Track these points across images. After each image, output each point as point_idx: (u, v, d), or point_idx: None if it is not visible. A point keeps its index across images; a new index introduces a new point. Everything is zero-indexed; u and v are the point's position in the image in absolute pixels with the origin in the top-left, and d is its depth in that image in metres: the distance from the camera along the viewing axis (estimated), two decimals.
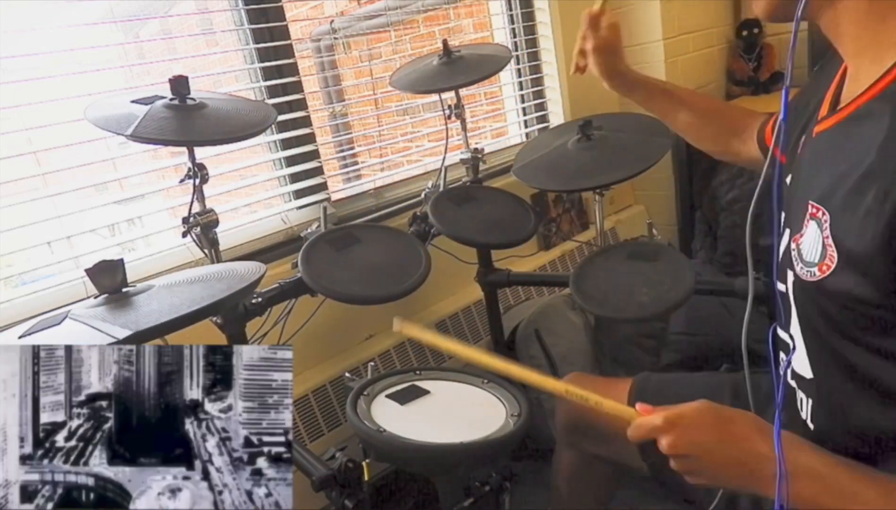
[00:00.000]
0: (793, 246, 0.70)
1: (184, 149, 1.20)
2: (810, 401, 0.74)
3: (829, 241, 0.63)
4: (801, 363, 0.74)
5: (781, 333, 0.79)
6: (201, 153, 1.24)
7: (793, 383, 0.78)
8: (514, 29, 2.29)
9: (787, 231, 0.73)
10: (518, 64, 2.31)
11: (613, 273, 1.42)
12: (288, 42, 1.68)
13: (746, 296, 1.43)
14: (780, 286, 0.76)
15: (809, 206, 0.66)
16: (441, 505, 1.20)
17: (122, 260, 0.88)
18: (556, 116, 2.40)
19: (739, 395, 0.99)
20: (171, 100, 1.17)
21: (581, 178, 1.49)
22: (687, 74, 2.51)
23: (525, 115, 2.38)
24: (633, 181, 1.53)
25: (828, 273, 0.63)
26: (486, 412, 1.13)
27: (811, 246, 0.66)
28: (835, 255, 0.63)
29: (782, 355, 0.80)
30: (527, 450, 1.80)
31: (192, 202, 1.22)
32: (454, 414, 1.15)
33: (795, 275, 0.69)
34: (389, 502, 1.62)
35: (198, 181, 1.20)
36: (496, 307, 1.80)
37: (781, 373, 0.77)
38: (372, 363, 1.31)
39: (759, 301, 1.44)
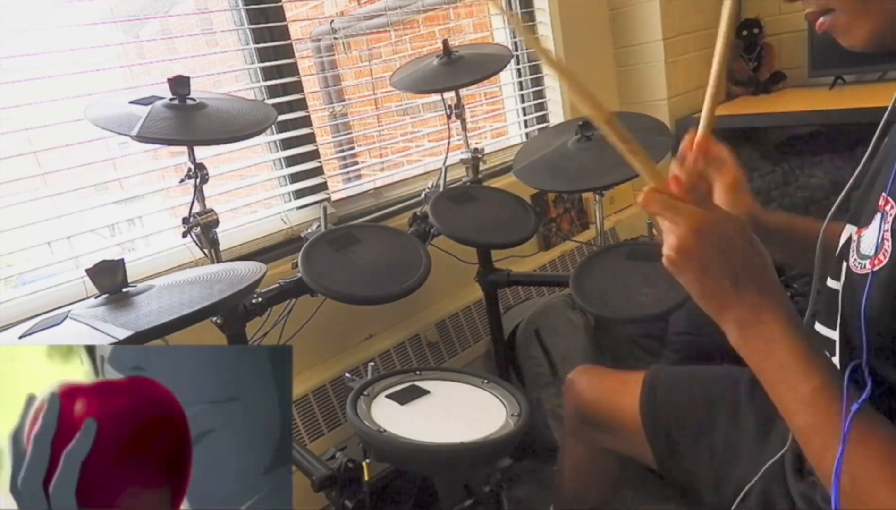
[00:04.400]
0: (854, 238, 0.67)
1: (184, 149, 1.20)
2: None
3: (889, 234, 0.59)
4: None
5: (823, 329, 0.76)
6: (201, 153, 1.24)
7: None
8: (514, 29, 2.29)
9: (852, 227, 0.70)
10: (518, 64, 2.31)
11: (613, 273, 1.42)
12: (288, 42, 1.68)
13: None
14: (833, 283, 0.73)
15: (881, 199, 0.63)
16: (441, 505, 1.20)
17: (122, 260, 0.88)
18: (556, 116, 2.40)
19: (757, 390, 0.98)
20: (171, 100, 1.17)
21: (581, 179, 1.49)
22: (687, 74, 2.51)
23: (525, 115, 2.39)
24: (633, 181, 1.52)
25: (878, 267, 0.60)
26: (486, 412, 1.13)
27: (871, 239, 0.63)
28: (889, 249, 0.59)
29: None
30: (527, 450, 1.80)
31: (192, 202, 1.22)
32: (454, 414, 1.15)
33: (848, 267, 0.66)
34: (389, 502, 1.62)
35: (198, 181, 1.20)
36: (496, 307, 1.80)
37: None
38: (372, 363, 1.31)
39: None
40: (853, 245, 0.66)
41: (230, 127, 1.19)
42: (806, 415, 0.60)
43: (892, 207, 0.60)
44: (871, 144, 0.71)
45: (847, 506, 0.56)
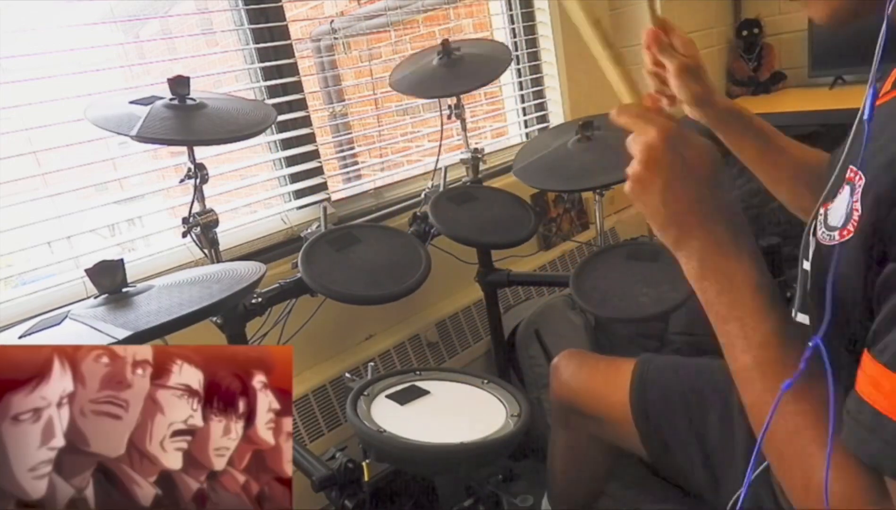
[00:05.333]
0: (821, 211, 0.65)
1: (184, 149, 1.21)
2: None
3: (857, 204, 0.58)
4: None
5: (799, 316, 0.75)
6: (201, 153, 1.24)
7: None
8: (514, 29, 2.29)
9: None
10: (518, 64, 2.31)
11: (613, 273, 1.42)
12: (288, 42, 1.68)
13: None
14: (806, 264, 0.71)
15: (848, 171, 0.62)
16: (441, 505, 1.20)
17: (122, 260, 0.88)
18: (556, 116, 2.40)
19: None
20: (171, 100, 1.17)
21: (581, 179, 1.49)
22: None
23: (525, 115, 2.38)
24: None
25: (846, 237, 0.59)
26: (486, 412, 1.13)
27: (839, 211, 0.62)
28: (857, 219, 0.58)
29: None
30: (527, 450, 1.80)
31: (192, 202, 1.22)
32: (454, 414, 1.15)
33: (817, 240, 0.65)
34: (389, 502, 1.62)
35: (198, 181, 1.21)
36: (496, 307, 1.80)
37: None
38: (372, 363, 1.32)
39: None
40: (820, 218, 0.65)
41: (230, 127, 1.19)
42: (749, 357, 0.60)
43: (860, 179, 0.59)
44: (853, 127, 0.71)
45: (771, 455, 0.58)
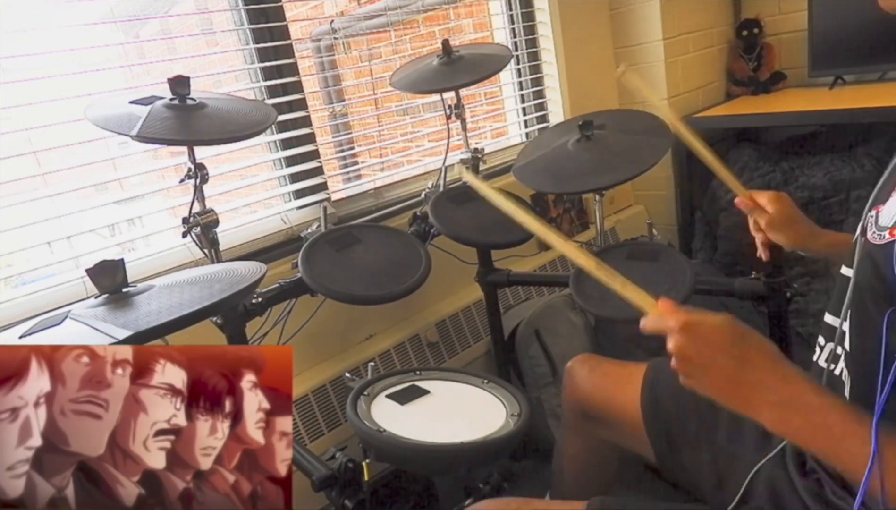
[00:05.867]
0: (872, 214, 0.70)
1: (184, 149, 1.20)
2: (848, 373, 0.74)
3: None
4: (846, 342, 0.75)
5: (830, 319, 0.79)
6: (201, 153, 1.24)
7: (830, 366, 0.78)
8: (514, 29, 2.29)
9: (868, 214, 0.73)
10: (518, 64, 2.31)
11: None
12: (288, 42, 1.68)
13: (746, 297, 1.44)
14: (846, 270, 0.76)
15: None
16: (441, 505, 1.20)
17: (122, 260, 0.88)
18: (556, 116, 2.39)
19: None
20: (171, 100, 1.17)
21: (581, 180, 1.49)
22: (687, 74, 2.51)
23: (525, 114, 2.38)
24: (632, 181, 1.52)
25: None
26: (486, 412, 1.13)
27: (890, 211, 0.66)
28: None
29: (822, 340, 0.80)
30: (527, 450, 1.80)
31: (192, 202, 1.22)
32: (454, 414, 1.15)
33: (866, 241, 0.69)
34: (389, 502, 1.62)
35: (198, 181, 1.20)
36: (496, 307, 1.80)
37: (823, 361, 0.78)
38: (372, 363, 1.31)
39: (759, 301, 1.45)
40: (870, 221, 0.69)
41: (230, 127, 1.19)
42: (863, 455, 0.62)
43: None
44: None
45: None
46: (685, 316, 0.70)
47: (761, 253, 1.13)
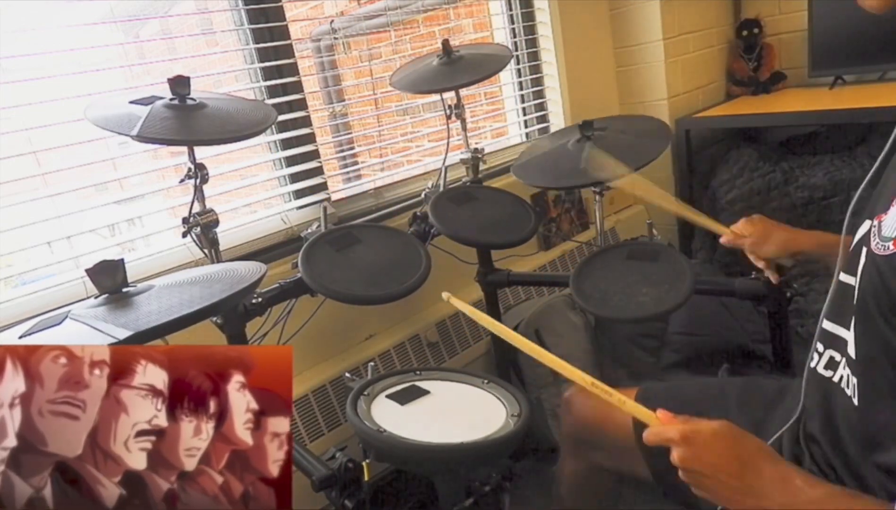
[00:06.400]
0: (874, 223, 0.70)
1: (184, 149, 1.20)
2: (856, 380, 0.75)
3: None
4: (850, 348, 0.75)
5: (829, 325, 0.79)
6: (201, 153, 1.24)
7: (828, 373, 0.78)
8: (514, 29, 2.29)
9: (867, 221, 0.73)
10: (518, 64, 2.31)
11: (613, 273, 1.42)
12: (288, 42, 1.68)
13: (746, 297, 1.44)
14: (847, 277, 0.76)
15: None
16: (441, 505, 1.20)
17: (122, 260, 0.88)
18: (556, 116, 2.40)
19: (745, 402, 0.99)
20: (171, 100, 1.17)
21: (580, 176, 1.49)
22: (687, 74, 2.51)
23: (525, 115, 2.38)
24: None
25: None
26: (486, 412, 1.13)
27: (893, 222, 0.67)
28: None
29: (820, 347, 0.81)
30: (527, 450, 1.80)
31: (192, 202, 1.22)
32: (454, 414, 1.15)
33: (869, 251, 0.69)
34: (389, 502, 1.62)
35: (198, 181, 1.20)
36: (496, 307, 1.80)
37: (822, 368, 0.79)
38: (372, 363, 1.31)
39: (759, 301, 1.45)
40: (873, 231, 0.69)
41: (230, 127, 1.19)
42: None
43: None
44: (891, 140, 0.74)
45: None
46: (684, 426, 0.74)
47: (770, 276, 1.22)
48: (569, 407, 1.18)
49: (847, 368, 0.75)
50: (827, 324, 0.79)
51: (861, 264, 0.71)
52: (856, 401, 0.74)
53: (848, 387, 0.75)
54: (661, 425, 0.77)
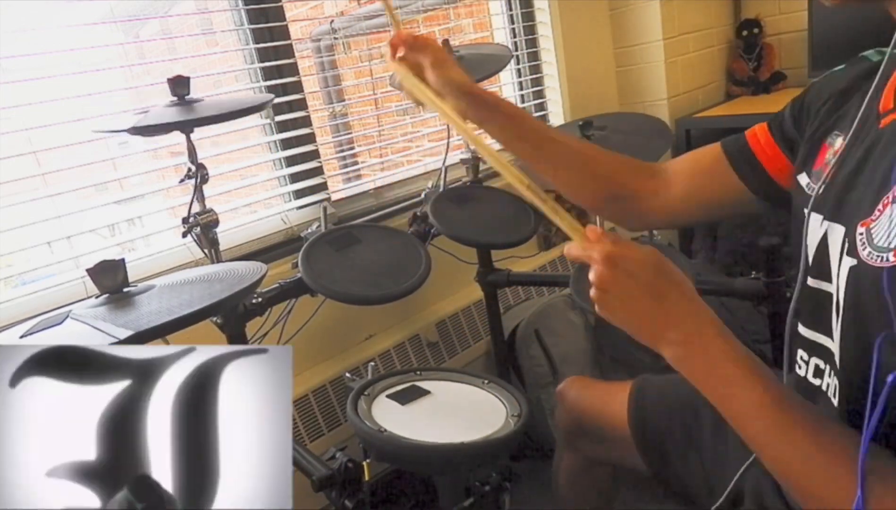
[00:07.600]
0: (860, 230, 0.65)
1: (184, 149, 1.20)
2: (842, 389, 0.72)
3: None
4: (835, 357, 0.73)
5: (807, 333, 0.76)
6: (201, 153, 1.24)
7: (816, 382, 0.76)
8: (514, 29, 2.29)
9: (835, 226, 0.70)
10: (518, 64, 2.31)
11: None
12: (288, 42, 1.68)
13: (746, 297, 1.44)
14: (818, 283, 0.73)
15: (893, 191, 0.62)
16: (441, 505, 1.20)
17: (123, 260, 0.88)
18: (556, 116, 2.40)
19: None
20: (171, 100, 1.18)
21: None
22: (687, 74, 2.51)
23: None
24: None
25: None
26: (486, 412, 1.13)
27: (886, 230, 0.62)
28: None
29: (803, 354, 0.78)
30: (527, 450, 1.80)
31: (192, 202, 1.22)
32: (454, 414, 1.15)
33: (859, 260, 0.65)
34: (389, 502, 1.62)
35: (198, 181, 1.20)
36: (496, 307, 1.80)
37: (812, 377, 0.76)
38: (372, 363, 1.32)
39: (759, 301, 1.45)
40: (861, 239, 0.65)
41: (226, 108, 1.19)
42: (757, 423, 0.63)
43: None
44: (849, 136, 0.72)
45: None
46: (610, 247, 0.69)
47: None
48: (563, 399, 1.16)
49: (834, 378, 0.73)
50: (805, 331, 0.77)
51: (840, 273, 0.67)
52: (836, 408, 0.72)
53: (835, 396, 0.74)
54: (587, 242, 0.72)
